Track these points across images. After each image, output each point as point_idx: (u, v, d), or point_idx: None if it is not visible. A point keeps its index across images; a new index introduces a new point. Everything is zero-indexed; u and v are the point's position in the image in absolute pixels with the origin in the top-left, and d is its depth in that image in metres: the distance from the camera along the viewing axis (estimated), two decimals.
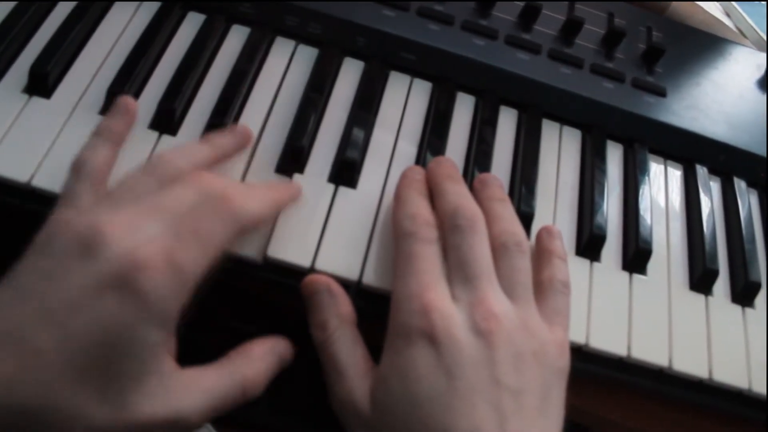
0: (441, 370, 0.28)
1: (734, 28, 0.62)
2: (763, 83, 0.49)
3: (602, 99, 0.43)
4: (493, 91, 0.43)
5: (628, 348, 0.35)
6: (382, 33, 0.42)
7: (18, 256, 0.27)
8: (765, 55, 0.52)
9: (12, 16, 0.38)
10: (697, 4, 0.60)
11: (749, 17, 0.62)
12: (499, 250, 0.32)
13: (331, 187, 0.36)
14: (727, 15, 0.63)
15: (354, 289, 0.33)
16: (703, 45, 0.50)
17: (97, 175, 0.31)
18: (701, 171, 0.44)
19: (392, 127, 0.40)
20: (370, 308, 0.33)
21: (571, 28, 0.46)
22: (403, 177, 0.36)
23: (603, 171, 0.41)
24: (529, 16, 0.46)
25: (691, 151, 0.44)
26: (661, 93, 0.45)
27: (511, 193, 0.39)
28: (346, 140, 0.38)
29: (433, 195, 0.35)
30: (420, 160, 0.39)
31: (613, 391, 0.37)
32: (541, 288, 0.33)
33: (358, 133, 0.38)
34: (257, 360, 0.31)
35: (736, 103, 0.47)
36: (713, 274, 0.39)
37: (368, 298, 0.34)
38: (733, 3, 0.63)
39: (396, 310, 0.30)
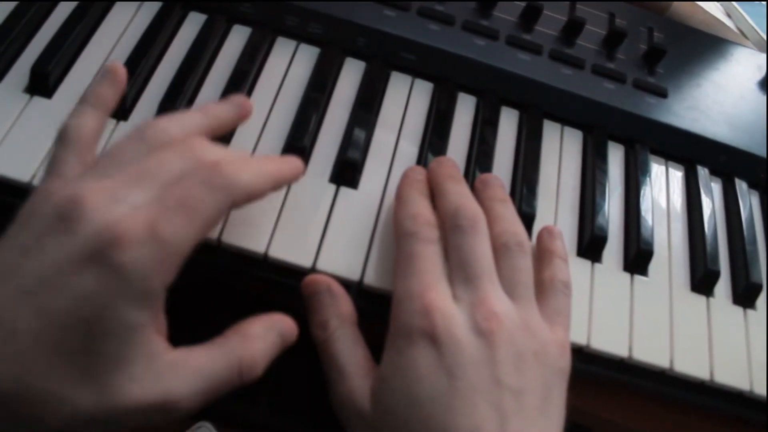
0: (442, 370, 0.28)
1: (735, 29, 0.62)
2: (764, 84, 0.49)
3: (603, 100, 0.43)
4: (494, 91, 0.43)
5: (630, 349, 0.35)
6: (382, 33, 0.42)
7: None
8: (765, 55, 0.52)
9: (13, 16, 0.38)
10: (698, 5, 0.60)
11: (750, 17, 0.62)
12: (500, 250, 0.32)
13: (333, 187, 0.36)
14: (728, 15, 0.63)
15: (355, 289, 0.33)
16: (704, 45, 0.50)
17: (84, 142, 0.29)
18: (702, 172, 0.44)
19: (393, 127, 0.40)
20: (371, 308, 0.33)
21: (572, 29, 0.46)
22: (405, 177, 0.36)
23: (604, 172, 0.41)
24: (530, 17, 0.46)
25: (692, 151, 0.44)
26: (662, 94, 0.45)
27: (513, 194, 0.39)
28: (347, 140, 0.38)
29: (434, 195, 0.35)
30: (421, 160, 0.39)
31: (615, 392, 0.37)
32: (542, 288, 0.33)
33: (359, 134, 0.38)
34: (256, 339, 0.29)
35: (737, 104, 0.47)
36: (714, 276, 0.39)
37: (369, 298, 0.34)
38: (734, 3, 0.63)
39: (397, 310, 0.30)
